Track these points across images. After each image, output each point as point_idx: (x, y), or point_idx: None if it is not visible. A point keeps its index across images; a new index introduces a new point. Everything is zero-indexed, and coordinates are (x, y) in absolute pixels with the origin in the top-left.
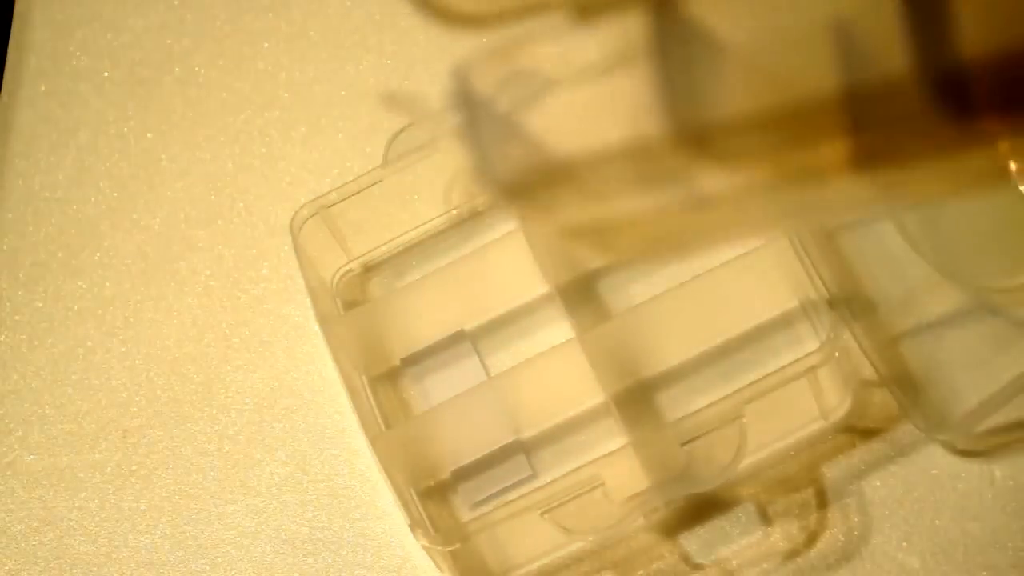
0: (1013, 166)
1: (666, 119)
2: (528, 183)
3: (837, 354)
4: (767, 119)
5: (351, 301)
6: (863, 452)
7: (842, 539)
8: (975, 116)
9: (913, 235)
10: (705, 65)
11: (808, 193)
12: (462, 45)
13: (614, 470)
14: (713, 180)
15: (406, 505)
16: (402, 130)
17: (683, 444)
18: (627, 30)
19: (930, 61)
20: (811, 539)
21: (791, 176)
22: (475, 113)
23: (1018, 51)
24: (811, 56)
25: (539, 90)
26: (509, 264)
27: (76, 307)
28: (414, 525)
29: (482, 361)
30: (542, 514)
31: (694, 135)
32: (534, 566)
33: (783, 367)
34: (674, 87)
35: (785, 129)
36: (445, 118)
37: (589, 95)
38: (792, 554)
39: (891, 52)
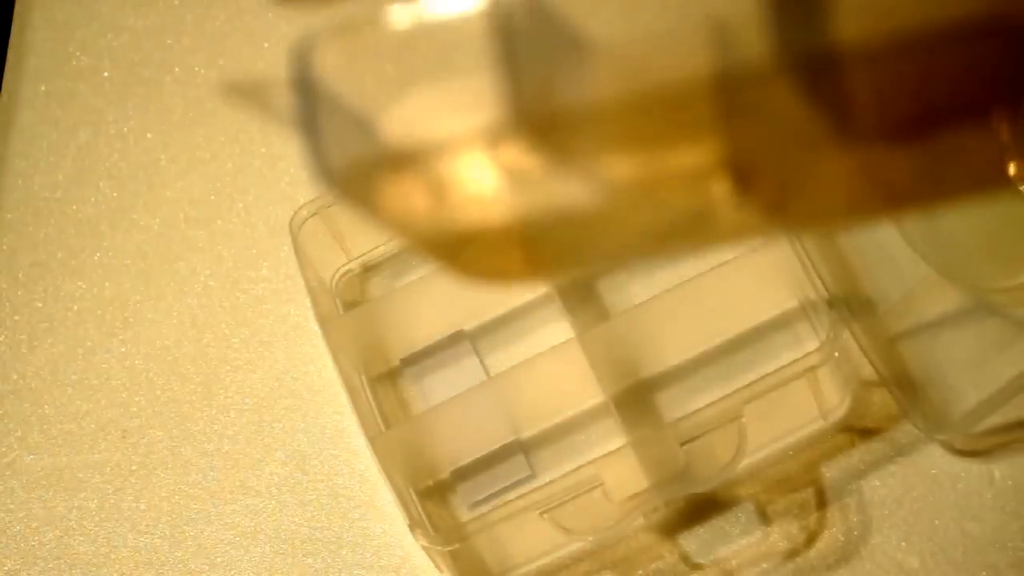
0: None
1: (519, 113)
2: (367, 176)
3: (836, 354)
4: (633, 118)
5: (351, 301)
6: (862, 452)
7: (841, 539)
8: (853, 116)
9: (912, 235)
10: (562, 56)
11: (685, 210)
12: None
13: (613, 470)
14: (576, 186)
15: (405, 505)
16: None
17: (682, 444)
18: (481, 13)
19: (802, 55)
20: (810, 539)
21: (662, 184)
22: (312, 98)
23: (893, 41)
24: (682, 51)
25: (389, 75)
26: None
27: (76, 307)
28: (413, 525)
29: (481, 361)
30: (541, 514)
31: (552, 134)
32: (533, 566)
33: (782, 367)
34: (527, 79)
35: (654, 131)
36: (282, 103)
37: (439, 81)
38: (791, 554)
39: (763, 47)
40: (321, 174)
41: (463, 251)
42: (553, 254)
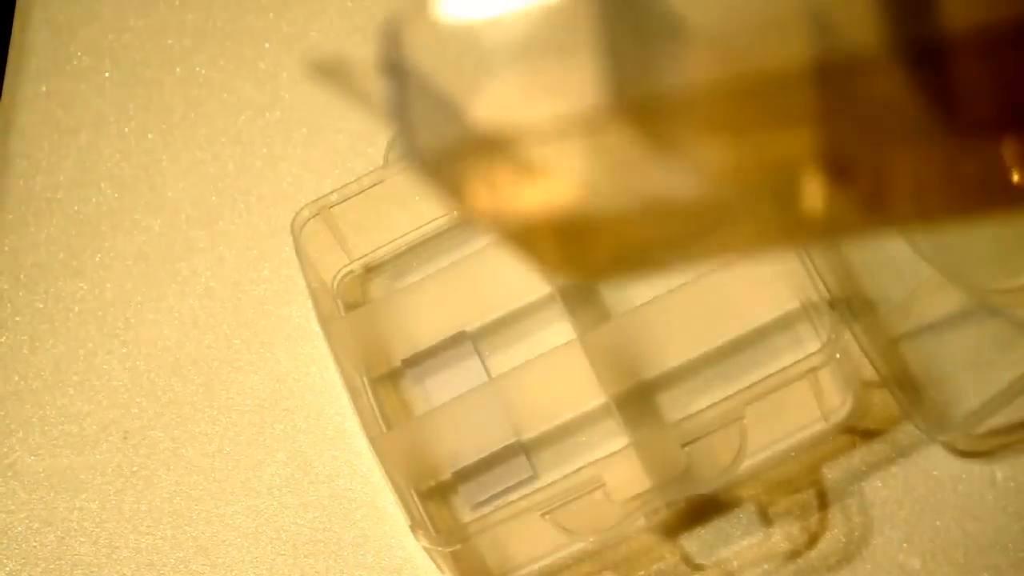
0: (1016, 177)
1: (613, 98)
2: (462, 162)
3: (838, 355)
4: (729, 106)
5: (352, 302)
6: (864, 453)
7: (843, 540)
8: (957, 109)
9: (914, 236)
10: (661, 42)
11: (782, 199)
12: None
13: (615, 471)
14: (672, 174)
15: (407, 506)
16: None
17: (684, 445)
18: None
19: (907, 45)
20: (812, 540)
21: (757, 175)
22: (403, 80)
23: (1003, 32)
24: (782, 38)
25: (480, 56)
26: (510, 265)
27: (77, 308)
28: (415, 526)
29: (483, 362)
30: (543, 515)
31: (646, 120)
32: (535, 567)
33: (784, 368)
34: (625, 64)
35: (749, 119)
36: (371, 85)
37: (533, 65)
38: (793, 555)
39: (866, 35)
40: (411, 156)
41: (549, 238)
42: (644, 245)
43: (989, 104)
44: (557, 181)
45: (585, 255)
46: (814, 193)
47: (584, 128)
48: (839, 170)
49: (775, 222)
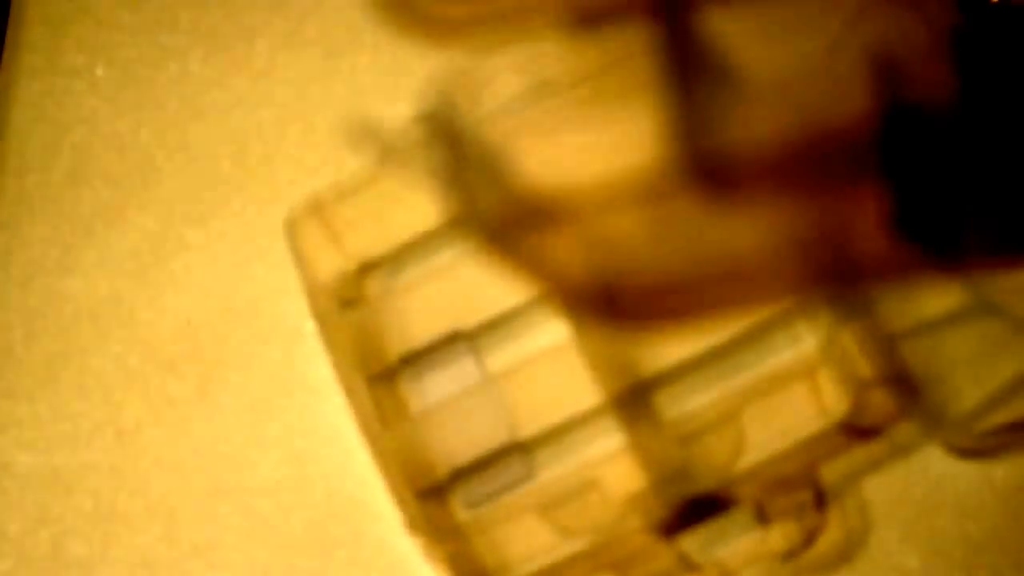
0: None
1: (679, 157)
2: (520, 229)
3: (836, 353)
4: (793, 161)
5: (347, 300)
6: (862, 452)
7: (841, 539)
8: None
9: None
10: (723, 96)
11: (839, 253)
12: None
13: (612, 470)
14: (732, 230)
15: (403, 505)
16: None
17: (681, 444)
18: (631, 48)
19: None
20: (809, 539)
21: (820, 230)
22: (454, 149)
23: None
24: (846, 89)
25: (529, 116)
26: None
27: (70, 306)
28: (411, 525)
29: (479, 360)
30: (540, 514)
31: (711, 178)
32: (531, 566)
33: (782, 366)
34: (688, 120)
35: (814, 174)
36: (417, 156)
37: (587, 125)
38: (790, 554)
39: (933, 86)
40: (467, 225)
41: (615, 302)
42: (715, 305)
43: None
44: (615, 243)
45: (654, 313)
46: (874, 244)
47: (641, 187)
48: (901, 222)
49: (821, 273)
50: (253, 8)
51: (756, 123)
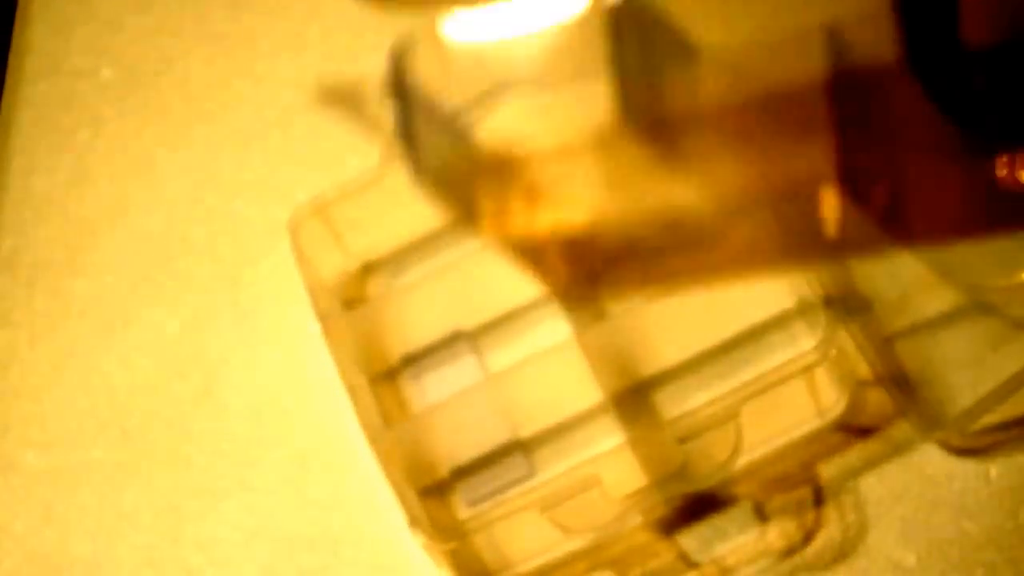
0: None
1: (624, 117)
2: (470, 181)
3: (833, 353)
4: (742, 124)
5: (350, 300)
6: (859, 450)
7: (838, 537)
8: (985, 128)
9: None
10: (675, 66)
11: (803, 218)
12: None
13: (612, 468)
14: (686, 192)
15: (405, 503)
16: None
17: (680, 442)
18: (588, 23)
19: (931, 66)
20: (807, 537)
21: (770, 193)
22: (411, 103)
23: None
24: (798, 60)
25: (491, 83)
26: (507, 263)
27: (76, 306)
28: (413, 523)
29: (480, 360)
30: (540, 512)
31: (658, 139)
32: (532, 564)
33: (779, 366)
34: (638, 87)
35: (763, 137)
36: (381, 107)
37: (541, 90)
38: (788, 552)
39: (879, 53)
40: (419, 178)
41: (558, 256)
42: (656, 266)
43: (1004, 121)
44: (567, 201)
45: (594, 273)
46: (827, 209)
47: (594, 147)
48: (854, 186)
49: (786, 236)
50: (256, 11)
51: (704, 91)
